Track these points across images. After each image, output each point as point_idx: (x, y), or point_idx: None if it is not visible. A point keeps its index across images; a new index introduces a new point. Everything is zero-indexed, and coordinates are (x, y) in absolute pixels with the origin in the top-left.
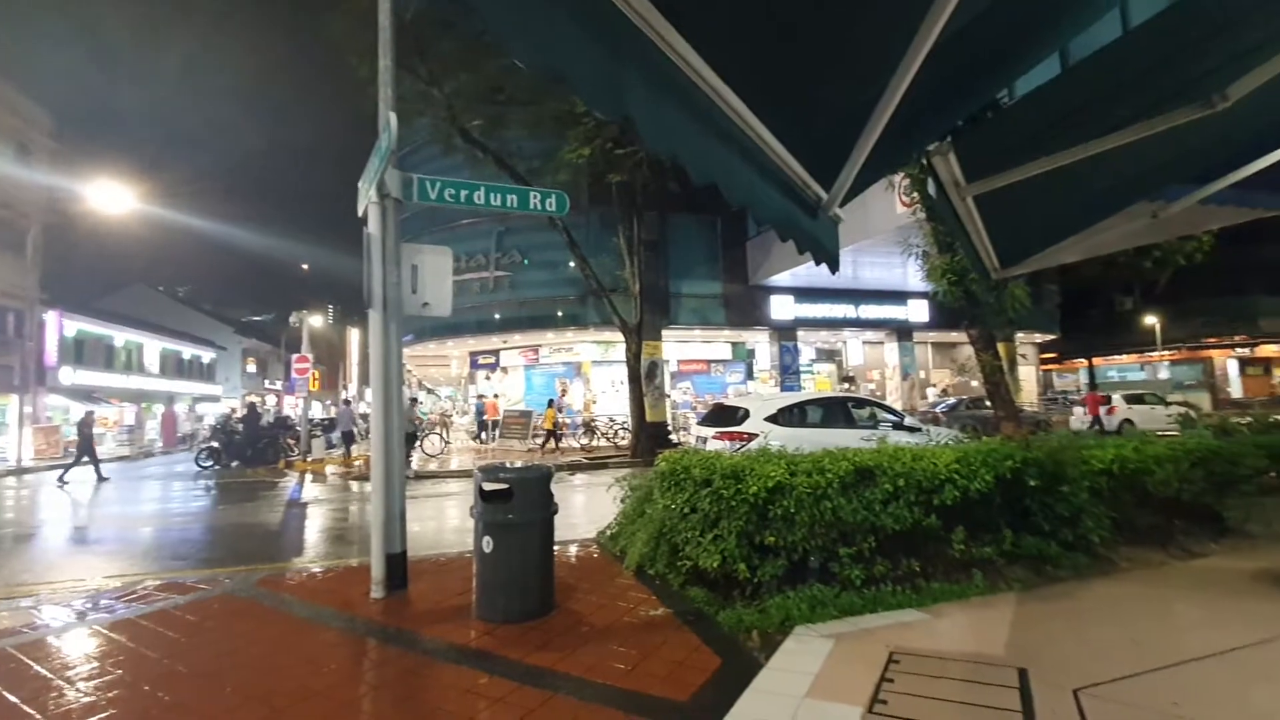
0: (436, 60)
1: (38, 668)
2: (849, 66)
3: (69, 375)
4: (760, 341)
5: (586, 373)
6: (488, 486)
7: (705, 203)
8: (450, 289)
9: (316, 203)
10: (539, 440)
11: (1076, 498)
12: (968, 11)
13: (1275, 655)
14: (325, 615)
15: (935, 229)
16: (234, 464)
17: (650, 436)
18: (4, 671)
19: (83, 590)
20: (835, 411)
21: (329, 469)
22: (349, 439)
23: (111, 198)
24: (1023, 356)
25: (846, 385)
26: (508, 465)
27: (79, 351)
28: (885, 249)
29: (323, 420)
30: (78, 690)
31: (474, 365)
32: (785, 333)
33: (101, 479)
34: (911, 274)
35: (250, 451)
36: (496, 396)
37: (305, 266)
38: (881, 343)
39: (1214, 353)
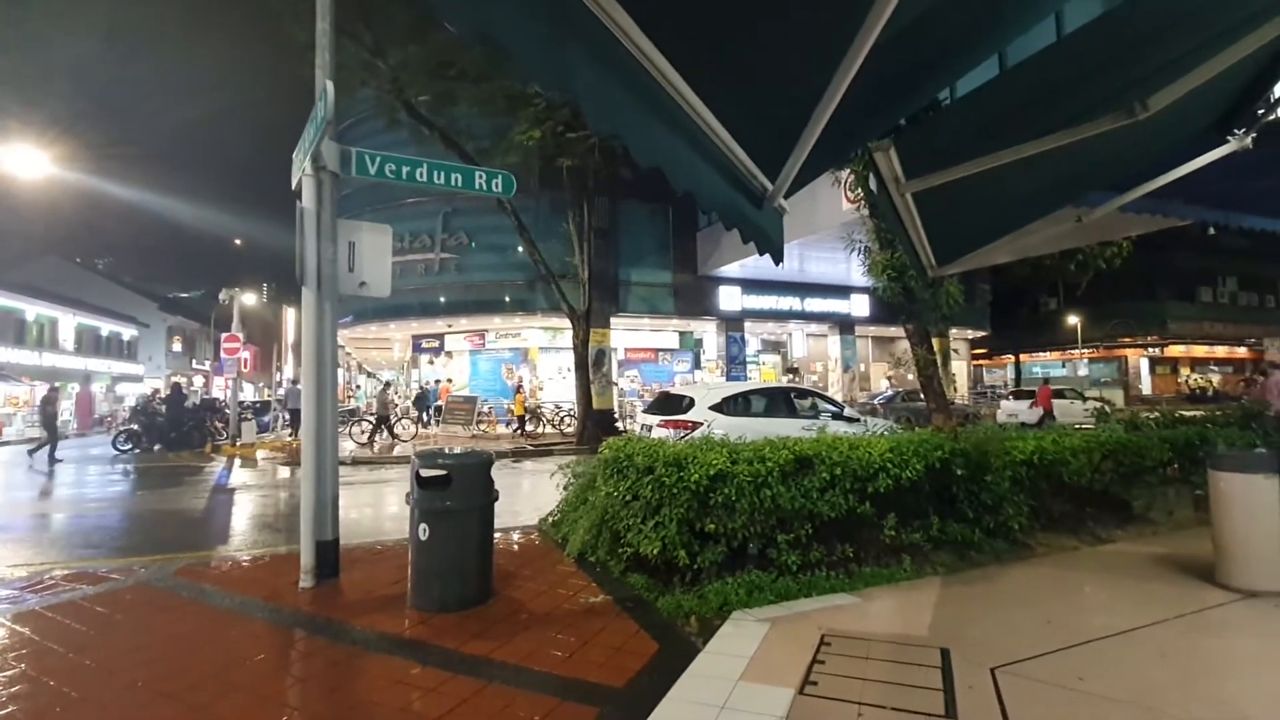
0: (383, 28)
1: None
2: (796, 59)
3: None
4: (708, 331)
5: (534, 359)
6: (425, 473)
7: (657, 192)
8: (390, 268)
9: (252, 175)
10: (513, 427)
11: (999, 487)
12: (909, 11)
13: (1171, 634)
14: (249, 606)
15: (877, 225)
16: (156, 447)
17: (597, 424)
18: None
19: None
20: (778, 401)
21: (261, 454)
22: (297, 418)
23: (22, 160)
24: (955, 351)
25: (790, 376)
26: (446, 451)
27: None
28: (830, 244)
29: (254, 403)
30: None
31: (417, 349)
32: (732, 323)
33: (55, 461)
34: (854, 269)
35: (174, 434)
36: (449, 381)
37: (238, 242)
38: (825, 335)
39: (1128, 352)
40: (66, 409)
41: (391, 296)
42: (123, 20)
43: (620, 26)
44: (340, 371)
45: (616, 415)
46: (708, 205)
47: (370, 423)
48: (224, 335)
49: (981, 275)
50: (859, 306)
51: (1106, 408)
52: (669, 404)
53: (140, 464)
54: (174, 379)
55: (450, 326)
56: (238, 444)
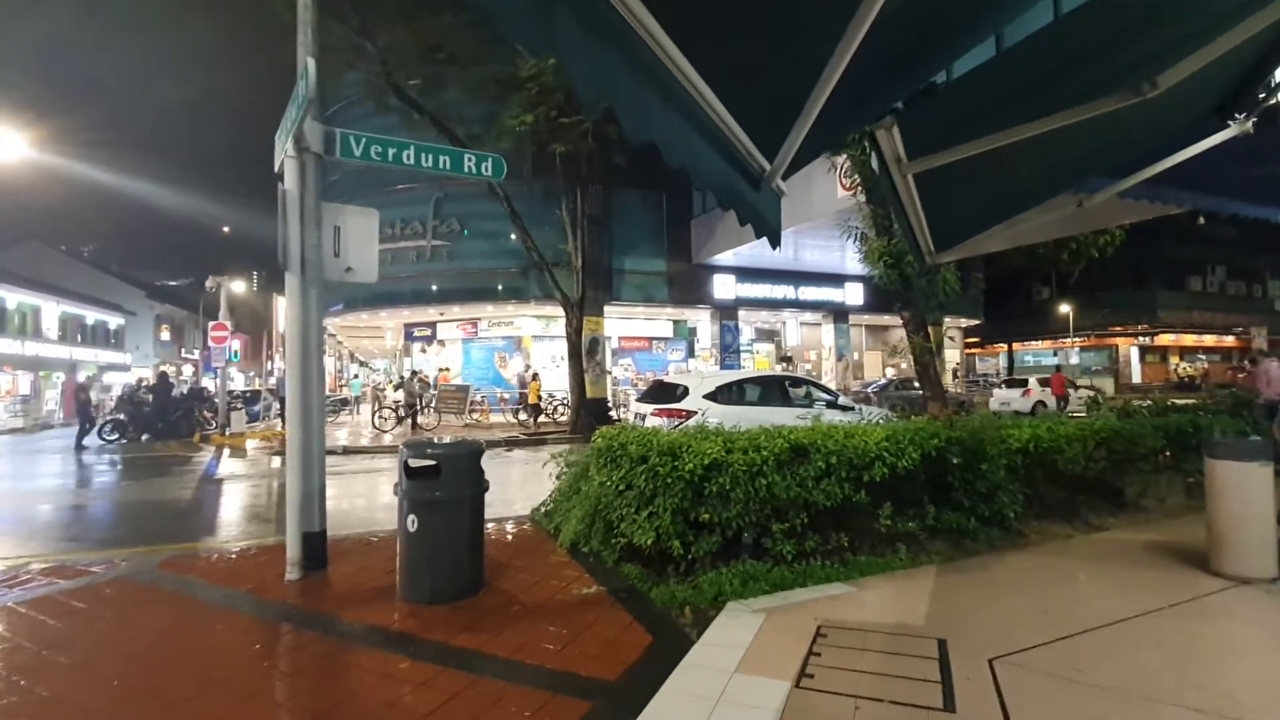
0: (370, 10)
1: None
2: (795, 34)
3: None
4: (702, 320)
5: (527, 347)
6: (414, 463)
7: (651, 179)
8: (376, 253)
9: (240, 161)
10: (522, 416)
11: (994, 475)
12: None
13: (1165, 622)
14: (234, 599)
15: (875, 212)
16: (143, 437)
17: (590, 413)
18: None
19: None
20: (772, 390)
21: (251, 443)
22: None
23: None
24: (950, 339)
25: (785, 365)
26: (436, 441)
27: None
28: (825, 232)
29: (244, 392)
30: None
31: (409, 337)
32: (727, 312)
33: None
34: (849, 258)
35: (161, 424)
36: (446, 370)
37: (226, 229)
38: (819, 324)
39: (1119, 340)
40: (52, 398)
41: (383, 284)
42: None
43: None
44: (332, 360)
45: (610, 404)
46: (704, 183)
47: (394, 411)
48: (211, 324)
49: (975, 263)
50: (853, 295)
51: (1098, 396)
52: (663, 392)
53: (126, 454)
54: (162, 368)
55: (442, 314)
56: (227, 433)
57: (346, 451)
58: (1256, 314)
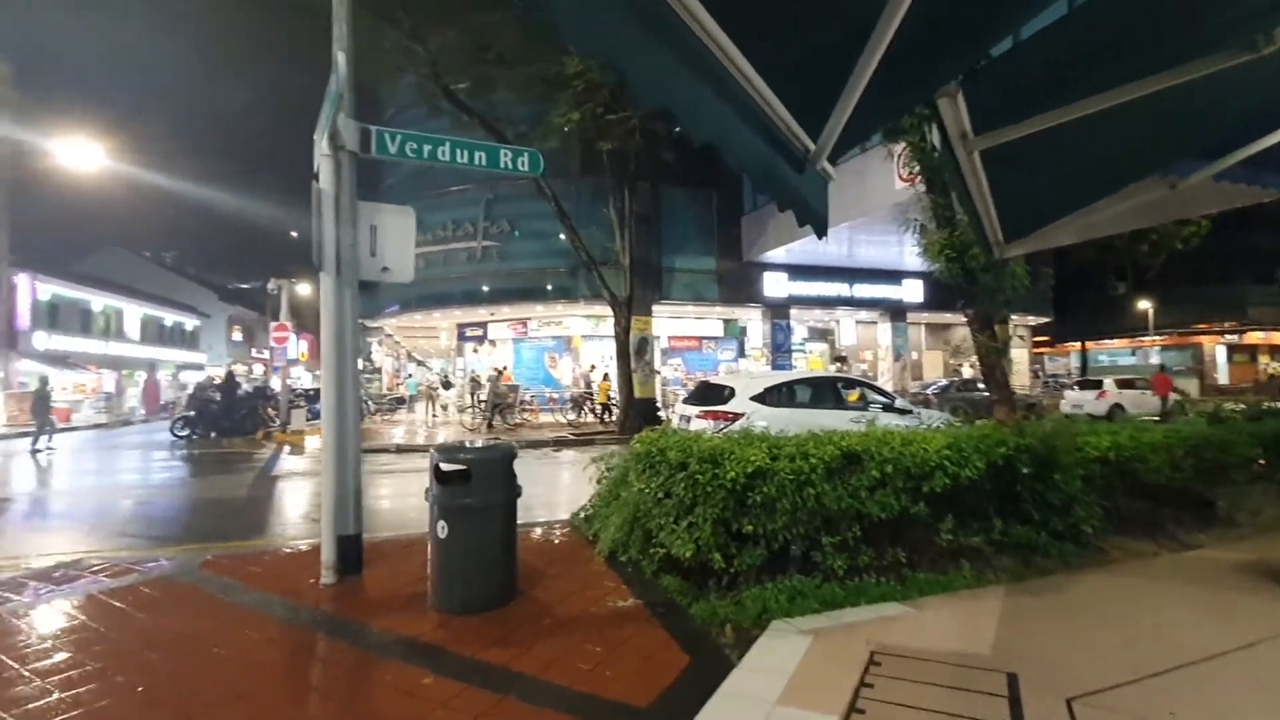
0: (421, 12)
1: None
2: None
3: (42, 340)
4: (753, 319)
5: (576, 347)
6: (445, 467)
7: (701, 175)
8: (413, 252)
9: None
10: (594, 413)
11: (1069, 486)
12: None
13: (1269, 656)
14: (268, 603)
15: (935, 202)
16: (212, 434)
17: (639, 413)
18: None
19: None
20: (824, 392)
21: (310, 440)
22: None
23: (81, 154)
24: (1020, 338)
25: (839, 365)
26: (467, 444)
27: (53, 316)
28: (881, 226)
29: (307, 390)
30: None
31: (462, 338)
32: (778, 310)
33: (35, 451)
34: (908, 253)
35: (228, 421)
36: (504, 369)
37: (294, 234)
38: (875, 323)
39: (1204, 339)
40: (134, 396)
41: (436, 285)
42: (175, 12)
43: None
44: (389, 359)
45: (659, 404)
46: (738, 164)
47: (480, 409)
48: (273, 324)
49: (1044, 257)
50: (911, 292)
51: (1184, 400)
52: (709, 394)
53: (193, 450)
54: (231, 367)
55: (493, 315)
56: (288, 430)
57: (400, 450)
58: None
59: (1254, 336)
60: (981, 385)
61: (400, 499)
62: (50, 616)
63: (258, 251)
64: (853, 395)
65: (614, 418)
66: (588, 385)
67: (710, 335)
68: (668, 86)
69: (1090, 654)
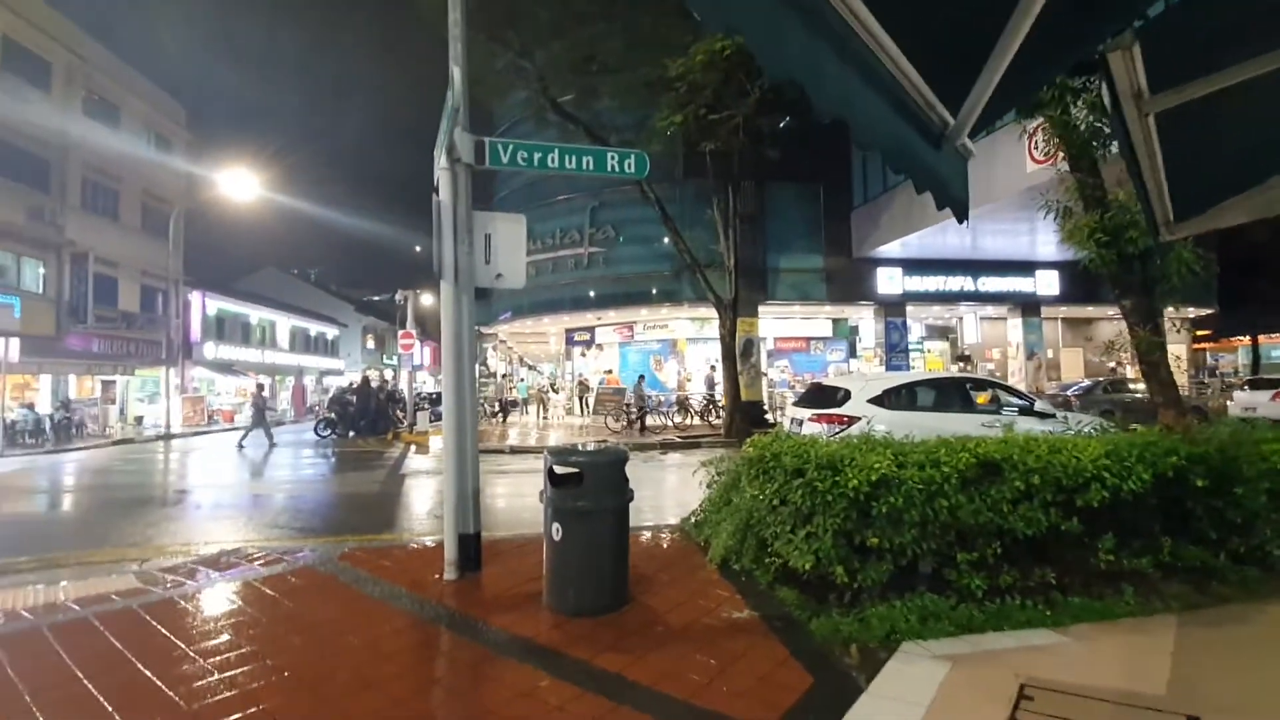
0: (529, 30)
1: (98, 642)
2: None
3: (211, 350)
4: (864, 317)
5: (682, 350)
6: (558, 470)
7: (808, 171)
8: (524, 259)
9: (428, 186)
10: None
11: (1253, 501)
12: None
13: None
14: (395, 595)
15: (1083, 182)
16: (350, 434)
17: (745, 416)
18: (65, 645)
19: (174, 553)
20: (950, 394)
21: (434, 440)
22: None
23: (241, 185)
24: (1175, 332)
25: (961, 365)
26: (579, 447)
27: (219, 328)
28: (1010, 214)
29: (431, 393)
30: (120, 666)
31: (570, 342)
32: (892, 308)
33: (272, 444)
34: (1041, 241)
35: (363, 422)
36: (610, 373)
37: (418, 249)
38: (1003, 318)
39: None
40: (284, 399)
41: (545, 291)
42: (311, 50)
43: None
44: (503, 364)
45: (766, 407)
46: (867, 140)
47: (626, 413)
48: (400, 332)
49: (1206, 241)
50: (1046, 284)
51: None
52: (822, 396)
53: (332, 449)
54: (367, 373)
55: (599, 319)
56: (414, 431)
57: (514, 451)
58: None
59: None
60: (1133, 386)
61: (514, 498)
62: (212, 600)
63: (389, 266)
64: (983, 397)
65: (698, 421)
66: (710, 386)
67: (819, 336)
68: (792, 51)
69: None
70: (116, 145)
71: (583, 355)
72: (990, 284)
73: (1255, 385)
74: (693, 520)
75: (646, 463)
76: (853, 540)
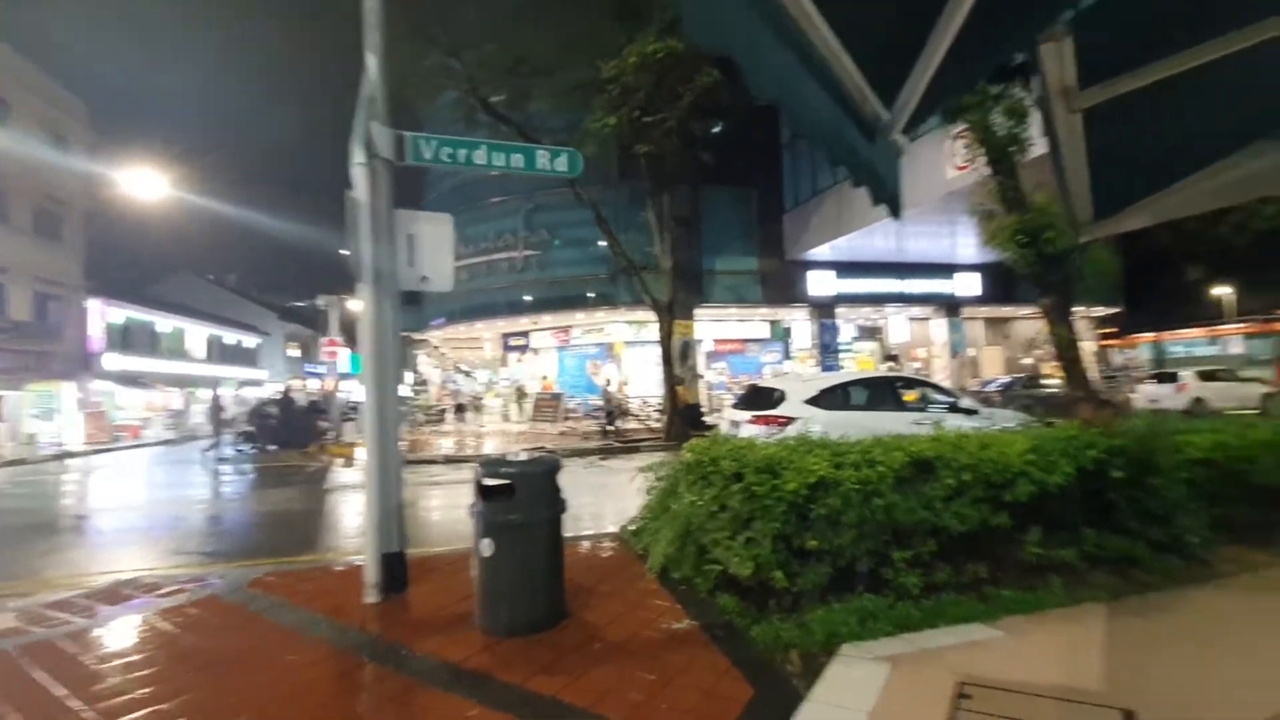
0: (458, 28)
1: None
2: None
3: (113, 361)
4: (798, 319)
5: (619, 353)
6: (488, 482)
7: (740, 175)
8: (451, 261)
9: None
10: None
11: (1170, 491)
12: None
13: None
14: (313, 623)
15: (1003, 184)
16: (270, 448)
17: (684, 419)
18: None
19: (64, 587)
20: (882, 393)
21: (359, 452)
22: None
23: (147, 184)
24: (1085, 330)
25: (890, 364)
26: (509, 458)
27: (124, 337)
28: (933, 218)
29: (357, 403)
30: None
31: (506, 347)
32: (825, 310)
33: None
34: (962, 244)
35: (285, 436)
36: (545, 378)
37: (343, 252)
38: (928, 319)
39: None
40: (198, 412)
41: (479, 295)
42: (223, 45)
43: None
44: (438, 370)
45: (704, 409)
46: (804, 128)
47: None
48: (324, 340)
49: (1112, 243)
50: (967, 285)
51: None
52: (759, 398)
53: (250, 464)
54: (290, 382)
55: (535, 323)
56: (340, 443)
57: (449, 461)
58: None
59: None
60: (1047, 381)
61: (449, 510)
62: (101, 639)
63: (314, 271)
64: (912, 395)
65: (635, 425)
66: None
67: (755, 337)
68: (728, 28)
69: (1217, 686)
70: (3, 143)
71: (519, 360)
72: (916, 285)
73: (1160, 379)
74: (631, 529)
75: (587, 469)
76: (792, 544)
